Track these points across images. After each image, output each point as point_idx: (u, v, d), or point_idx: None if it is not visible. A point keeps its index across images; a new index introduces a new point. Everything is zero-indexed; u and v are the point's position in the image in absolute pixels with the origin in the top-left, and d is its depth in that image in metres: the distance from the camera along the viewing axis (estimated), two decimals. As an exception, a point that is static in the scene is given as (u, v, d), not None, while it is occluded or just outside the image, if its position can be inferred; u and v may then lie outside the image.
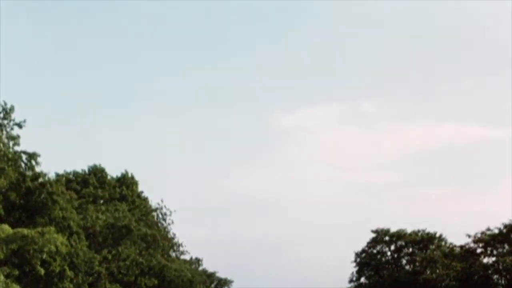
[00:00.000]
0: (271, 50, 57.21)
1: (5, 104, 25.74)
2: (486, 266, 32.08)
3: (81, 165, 29.76)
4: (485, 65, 59.19)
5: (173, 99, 55.63)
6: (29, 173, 24.83)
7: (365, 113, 57.78)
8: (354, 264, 35.50)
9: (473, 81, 58.39)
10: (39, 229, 21.63)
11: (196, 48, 55.96)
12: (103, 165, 29.76)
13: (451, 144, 56.45)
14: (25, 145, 26.25)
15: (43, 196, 23.45)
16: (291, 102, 58.19)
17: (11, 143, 25.71)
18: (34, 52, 50.61)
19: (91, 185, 27.95)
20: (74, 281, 23.16)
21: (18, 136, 25.70)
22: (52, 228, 21.84)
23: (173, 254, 34.93)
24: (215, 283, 42.60)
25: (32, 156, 25.41)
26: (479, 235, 32.29)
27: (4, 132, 25.90)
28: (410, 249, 35.08)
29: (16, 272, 21.37)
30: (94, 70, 52.54)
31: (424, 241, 34.89)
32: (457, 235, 36.60)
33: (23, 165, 25.30)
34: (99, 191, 28.00)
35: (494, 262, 32.01)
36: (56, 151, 40.87)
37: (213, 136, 54.56)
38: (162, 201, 35.10)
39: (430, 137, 57.24)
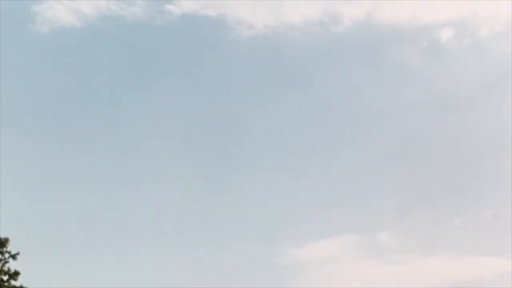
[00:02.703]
0: (281, 179, 54.99)
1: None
2: None
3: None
4: (506, 195, 57.13)
5: (175, 232, 52.95)
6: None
7: (383, 245, 55.10)
8: None
9: (494, 212, 56.24)
10: None
11: (200, 177, 53.70)
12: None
13: (475, 278, 53.94)
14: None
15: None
16: (303, 234, 55.32)
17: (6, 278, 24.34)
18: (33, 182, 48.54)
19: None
20: None
21: (17, 273, 24.49)
22: None
23: None
24: None
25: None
26: None
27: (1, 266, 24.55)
28: None
29: None
30: (93, 198, 50.21)
31: None
32: None
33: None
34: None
35: None
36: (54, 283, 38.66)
37: (219, 270, 51.80)
38: None
39: (452, 270, 54.73)
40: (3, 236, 24.42)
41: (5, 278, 23.72)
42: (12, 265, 24.54)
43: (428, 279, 55.07)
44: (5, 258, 24.43)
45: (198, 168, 49.56)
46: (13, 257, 24.44)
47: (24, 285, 24.34)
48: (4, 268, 23.93)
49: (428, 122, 52.60)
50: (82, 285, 41.74)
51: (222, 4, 46.11)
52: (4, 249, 24.57)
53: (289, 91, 48.61)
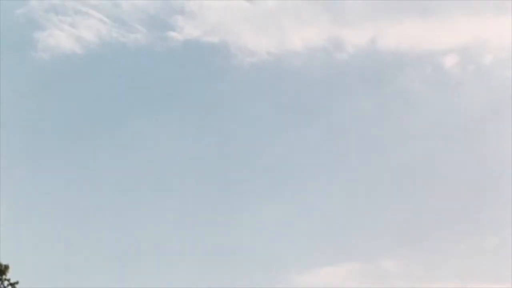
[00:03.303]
0: (283, 206, 54.48)
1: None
2: None
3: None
4: (509, 222, 56.53)
5: (177, 261, 52.33)
6: None
7: (387, 272, 54.48)
8: None
9: (498, 239, 55.62)
10: None
11: (200, 206, 53.13)
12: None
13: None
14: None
15: None
16: (306, 262, 54.59)
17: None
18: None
19: None
20: None
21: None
22: None
23: None
24: None
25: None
26: None
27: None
28: None
29: None
30: (94, 225, 49.57)
31: None
32: None
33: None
34: None
35: None
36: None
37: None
38: None
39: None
40: (3, 263, 24.07)
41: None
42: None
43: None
44: (4, 286, 23.97)
45: (199, 198, 49.29)
46: (13, 286, 23.98)
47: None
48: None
49: (431, 148, 52.22)
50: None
51: (225, 30, 45.86)
52: (4, 276, 24.11)
53: (291, 118, 48.31)
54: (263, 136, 49.87)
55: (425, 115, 52.03)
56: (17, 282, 24.08)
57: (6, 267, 24.17)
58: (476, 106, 51.97)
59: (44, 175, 43.02)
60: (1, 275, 24.08)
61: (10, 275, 24.14)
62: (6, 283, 24.13)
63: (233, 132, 48.67)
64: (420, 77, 49.67)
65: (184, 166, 48.93)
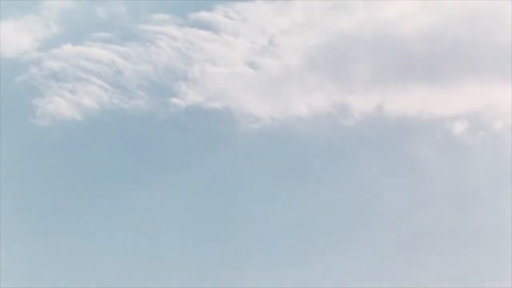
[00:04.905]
0: (283, 272, 53.24)
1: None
2: None
3: None
4: None
5: None
6: None
7: None
8: None
9: None
10: None
11: (200, 272, 51.78)
12: None
13: None
14: None
15: None
16: None
17: None
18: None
19: None
20: None
21: None
22: None
23: None
24: None
25: None
26: None
27: None
28: None
29: None
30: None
31: None
32: None
33: None
34: None
35: None
36: None
37: None
38: None
39: None
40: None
41: None
42: None
43: None
44: None
45: (199, 262, 48.33)
46: None
47: None
48: None
49: (440, 216, 51.09)
50: None
51: (228, 96, 45.63)
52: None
53: (296, 185, 47.40)
54: (267, 204, 49.00)
55: (434, 182, 50.94)
56: None
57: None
58: (486, 173, 50.93)
59: (41, 246, 42.49)
60: None
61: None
62: None
63: (236, 199, 47.89)
64: (429, 143, 48.82)
65: (185, 231, 48.14)
